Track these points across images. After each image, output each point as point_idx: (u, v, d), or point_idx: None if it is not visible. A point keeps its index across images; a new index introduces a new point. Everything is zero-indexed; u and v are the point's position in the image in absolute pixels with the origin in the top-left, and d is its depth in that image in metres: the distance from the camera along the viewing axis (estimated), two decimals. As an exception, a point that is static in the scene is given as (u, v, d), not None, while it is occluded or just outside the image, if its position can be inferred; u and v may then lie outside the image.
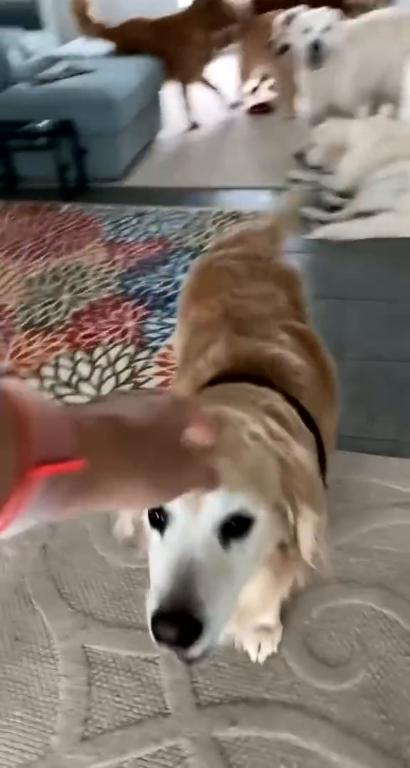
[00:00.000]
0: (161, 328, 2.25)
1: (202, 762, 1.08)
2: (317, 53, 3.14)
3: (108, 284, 2.56)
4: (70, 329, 2.29)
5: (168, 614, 0.59)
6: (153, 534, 0.67)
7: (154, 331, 2.24)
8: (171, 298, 2.41)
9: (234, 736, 1.11)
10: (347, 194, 2.97)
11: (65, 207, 3.25)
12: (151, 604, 0.61)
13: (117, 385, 2.00)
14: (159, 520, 0.65)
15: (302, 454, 0.72)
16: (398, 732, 1.10)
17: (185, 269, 2.62)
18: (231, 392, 0.82)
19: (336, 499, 1.45)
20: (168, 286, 2.50)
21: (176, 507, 0.63)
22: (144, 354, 2.12)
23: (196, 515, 0.63)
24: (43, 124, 3.22)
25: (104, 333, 2.24)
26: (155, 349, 2.14)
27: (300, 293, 1.24)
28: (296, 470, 0.70)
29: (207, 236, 2.86)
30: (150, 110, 3.92)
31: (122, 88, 3.37)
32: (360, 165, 2.91)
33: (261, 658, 1.20)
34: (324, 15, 3.15)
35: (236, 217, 3.00)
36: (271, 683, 1.18)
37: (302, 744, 1.09)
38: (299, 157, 3.16)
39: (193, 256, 2.70)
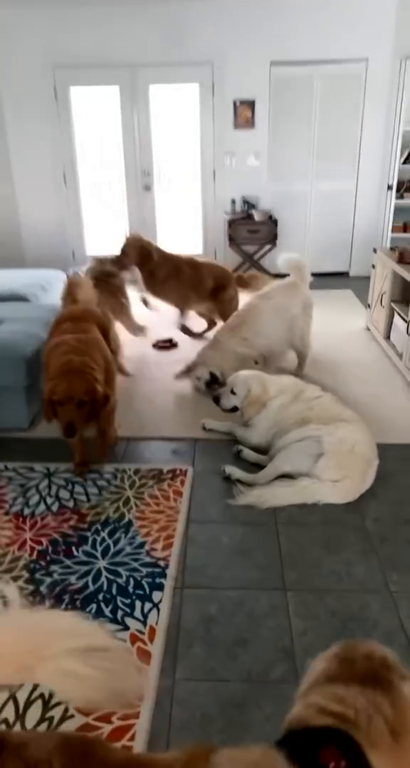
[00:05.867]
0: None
1: None
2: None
3: (17, 578, 2.22)
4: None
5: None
6: None
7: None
8: (91, 596, 2.12)
9: None
10: (262, 450, 3.02)
11: (-36, 465, 2.96)
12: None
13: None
14: None
15: None
16: None
17: (106, 550, 2.37)
18: None
19: None
20: (88, 578, 2.22)
21: None
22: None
23: None
24: None
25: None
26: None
27: None
28: None
29: (126, 502, 2.68)
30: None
31: (32, 342, 3.33)
32: (274, 423, 3.01)
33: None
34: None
35: (155, 476, 2.88)
36: None
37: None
38: (216, 400, 3.22)
39: (112, 531, 2.48)
